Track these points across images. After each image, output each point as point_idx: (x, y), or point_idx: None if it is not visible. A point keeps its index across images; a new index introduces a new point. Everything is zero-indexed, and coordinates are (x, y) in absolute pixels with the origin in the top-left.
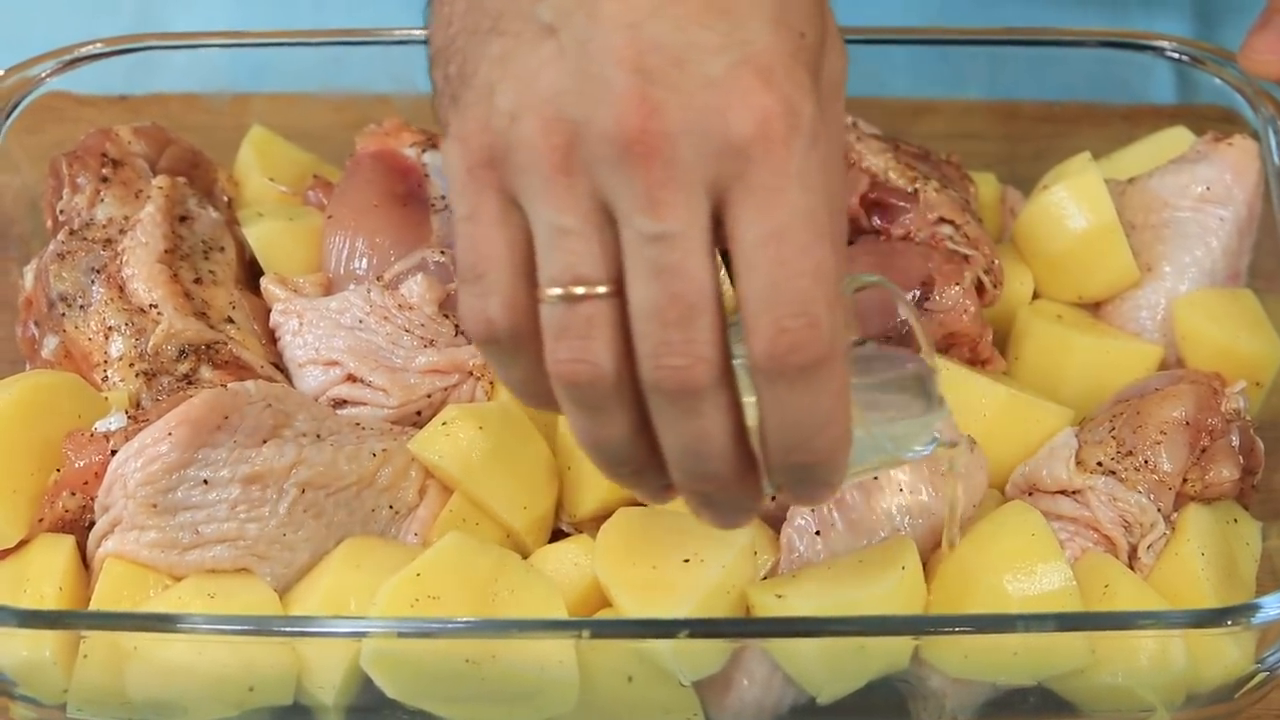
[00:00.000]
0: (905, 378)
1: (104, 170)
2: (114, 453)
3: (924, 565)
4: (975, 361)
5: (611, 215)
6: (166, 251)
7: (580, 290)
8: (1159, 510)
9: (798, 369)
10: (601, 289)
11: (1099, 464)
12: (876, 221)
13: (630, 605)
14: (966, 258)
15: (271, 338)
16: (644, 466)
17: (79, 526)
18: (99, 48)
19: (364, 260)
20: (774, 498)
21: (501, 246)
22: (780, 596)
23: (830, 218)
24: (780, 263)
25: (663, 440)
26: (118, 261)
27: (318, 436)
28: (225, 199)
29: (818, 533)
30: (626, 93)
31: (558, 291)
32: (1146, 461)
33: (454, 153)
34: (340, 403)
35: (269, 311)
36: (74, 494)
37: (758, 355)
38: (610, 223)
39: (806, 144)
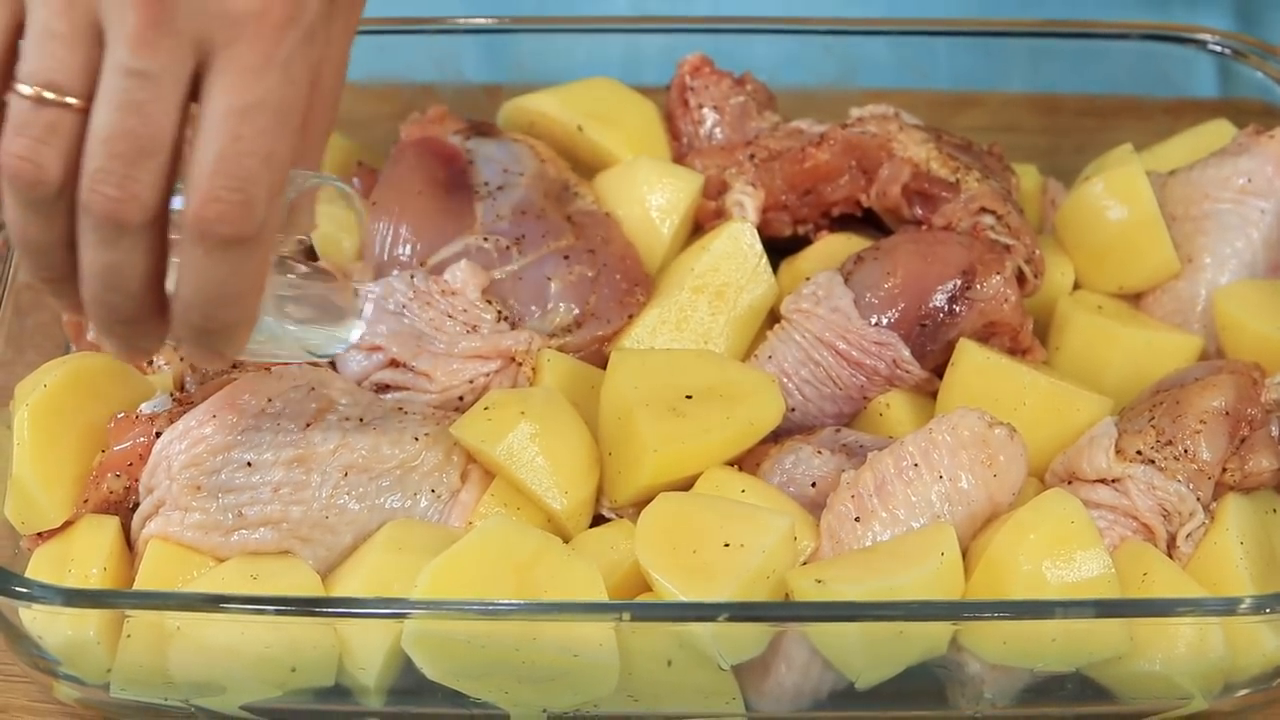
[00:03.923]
0: (338, 291)
1: None
2: (158, 435)
3: (963, 552)
4: (1016, 351)
5: (101, 36)
6: None
7: (50, 95)
8: (1198, 499)
9: (220, 239)
10: (71, 100)
11: (1138, 453)
12: (918, 211)
13: (670, 589)
14: (1008, 248)
15: None
16: (63, 277)
17: (123, 508)
18: None
19: (408, 246)
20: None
21: None
22: (820, 582)
23: (298, 115)
24: (237, 138)
25: (81, 259)
26: None
27: (361, 421)
28: None
29: (858, 519)
30: None
31: (29, 90)
32: (1186, 451)
33: None
34: (383, 387)
35: None
36: (119, 476)
37: (188, 215)
38: (98, 42)
39: (301, 38)
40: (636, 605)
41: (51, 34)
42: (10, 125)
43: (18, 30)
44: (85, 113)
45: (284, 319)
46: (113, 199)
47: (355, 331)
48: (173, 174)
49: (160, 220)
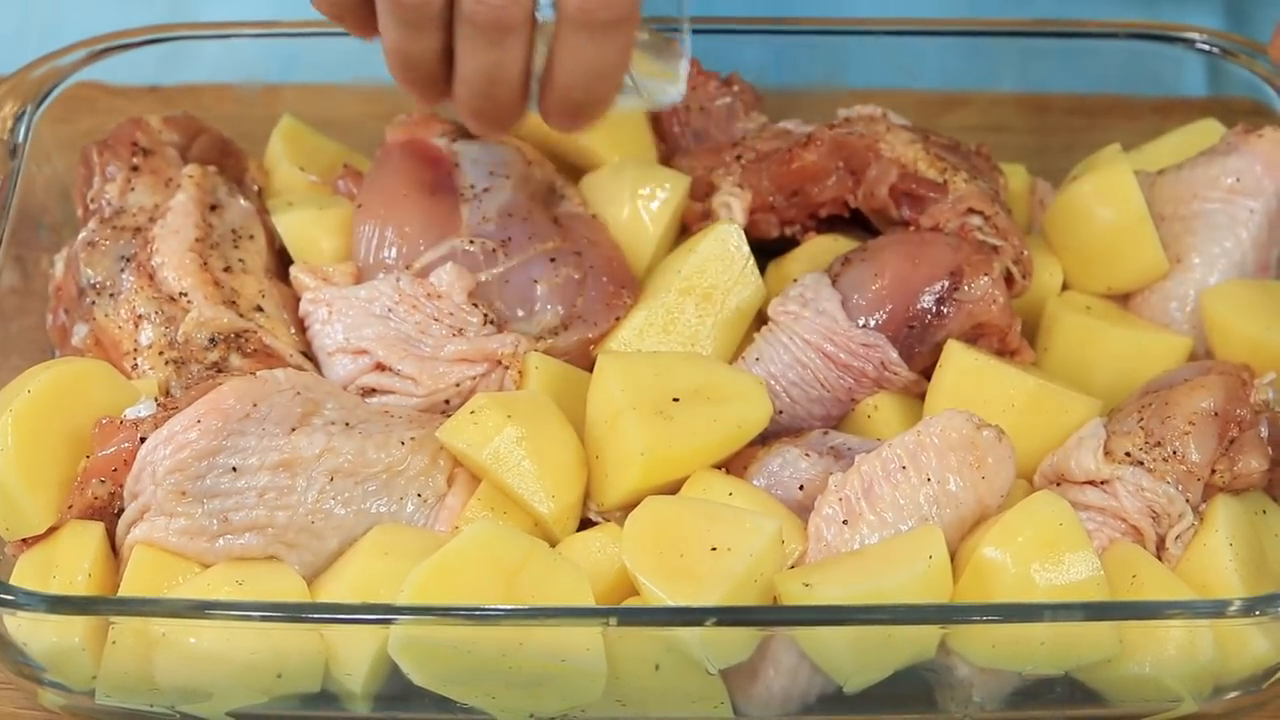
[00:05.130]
0: (663, 40)
1: (135, 159)
2: (143, 440)
3: (951, 554)
4: (1004, 352)
5: None
6: (197, 240)
7: None
8: (1187, 501)
9: (601, 24)
10: None
11: (1127, 454)
12: (905, 212)
13: (658, 594)
14: (995, 248)
15: (301, 326)
16: (435, 80)
17: (108, 513)
18: (130, 38)
19: (393, 249)
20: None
21: None
22: (808, 585)
23: None
24: None
25: (461, 63)
26: (148, 250)
27: (347, 425)
28: (255, 188)
29: (845, 522)
30: None
31: None
32: (1175, 452)
33: None
34: (369, 391)
35: (298, 300)
36: (103, 481)
37: (571, 7)
38: None
39: None
40: (623, 610)
41: None
42: None
43: None
44: None
45: (636, 77)
46: (496, 6)
47: (683, 75)
48: None
49: (533, 17)
